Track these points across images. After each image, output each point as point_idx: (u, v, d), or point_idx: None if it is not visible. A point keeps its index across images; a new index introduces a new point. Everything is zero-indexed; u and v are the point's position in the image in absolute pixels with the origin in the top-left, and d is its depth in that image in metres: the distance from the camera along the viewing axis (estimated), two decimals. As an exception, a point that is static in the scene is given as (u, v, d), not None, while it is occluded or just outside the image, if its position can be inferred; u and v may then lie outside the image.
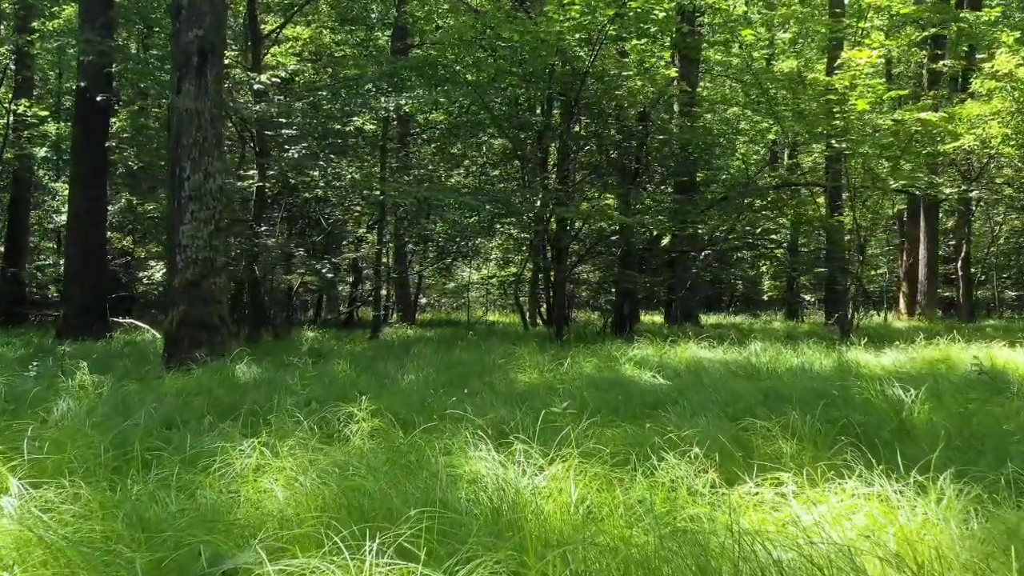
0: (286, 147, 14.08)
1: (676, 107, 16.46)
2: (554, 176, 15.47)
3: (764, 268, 28.17)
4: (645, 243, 15.69)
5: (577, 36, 13.03)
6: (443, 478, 3.14)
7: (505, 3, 15.89)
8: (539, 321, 20.37)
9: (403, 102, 14.36)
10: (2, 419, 4.41)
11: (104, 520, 2.56)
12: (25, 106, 17.97)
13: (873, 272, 27.31)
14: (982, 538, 2.75)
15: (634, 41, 14.27)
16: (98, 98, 13.22)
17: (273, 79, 13.41)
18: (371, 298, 18.87)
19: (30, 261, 21.10)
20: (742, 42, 11.62)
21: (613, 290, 16.47)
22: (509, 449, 3.49)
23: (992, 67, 12.30)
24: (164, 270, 12.59)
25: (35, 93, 21.75)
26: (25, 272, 19.55)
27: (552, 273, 14.89)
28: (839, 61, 11.42)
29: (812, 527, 2.59)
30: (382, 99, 15.07)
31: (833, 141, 11.46)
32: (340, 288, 22.03)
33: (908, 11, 12.10)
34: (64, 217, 16.69)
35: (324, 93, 14.73)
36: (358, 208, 19.88)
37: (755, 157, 22.50)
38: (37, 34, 16.39)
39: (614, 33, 13.51)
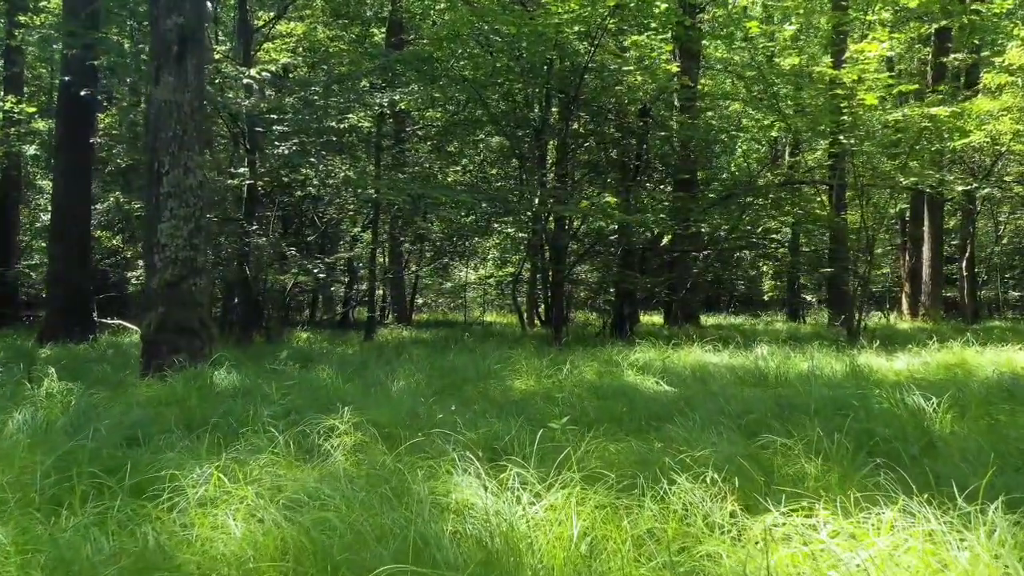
0: (276, 143, 13.68)
1: (676, 102, 16.09)
2: (552, 174, 15.10)
3: (764, 268, 27.81)
4: (646, 243, 15.32)
5: (576, 29, 12.65)
6: (427, 510, 2.75)
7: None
8: (537, 322, 20.01)
9: (397, 97, 13.96)
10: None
11: (20, 568, 2.18)
12: (12, 102, 17.54)
13: (876, 272, 26.89)
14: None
15: (634, 37, 13.90)
16: (82, 93, 12.81)
17: (263, 73, 13.01)
18: (366, 299, 18.47)
19: (22, 261, 20.70)
20: (747, 34, 11.24)
21: (612, 290, 16.11)
22: (502, 474, 3.10)
23: (1004, 61, 11.95)
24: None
25: (26, 91, 21.35)
26: (12, 272, 19.13)
27: (550, 273, 14.51)
28: (847, 54, 11.04)
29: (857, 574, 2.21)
30: (376, 95, 14.69)
31: (841, 137, 11.10)
32: (333, 289, 21.64)
33: (916, 3, 11.73)
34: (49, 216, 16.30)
35: (316, 88, 14.32)
36: (353, 207, 19.49)
37: (754, 156, 22.16)
38: (23, 28, 15.97)
39: (614, 27, 13.14)
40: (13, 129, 18.58)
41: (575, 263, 15.68)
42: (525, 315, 19.56)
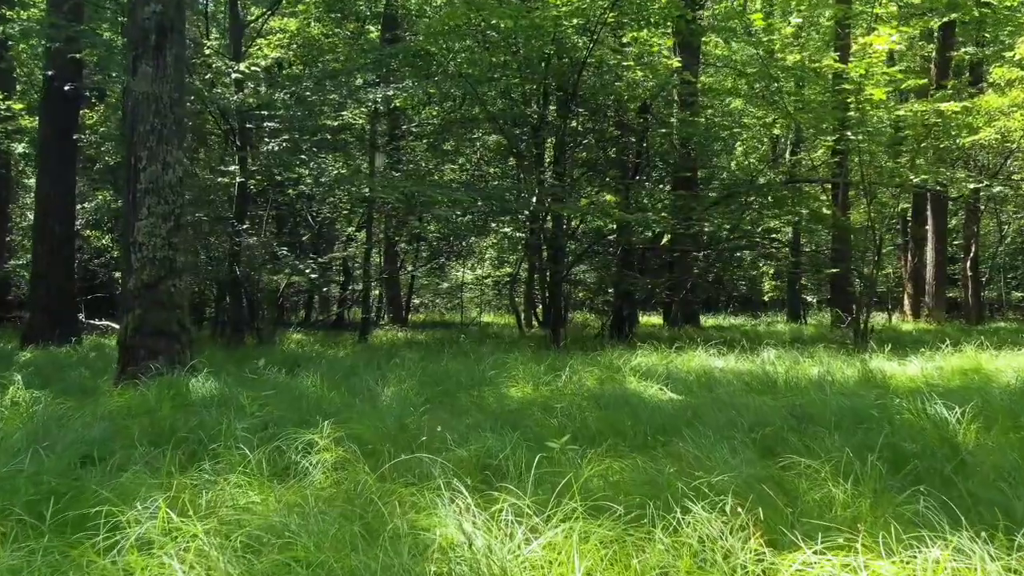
0: (266, 140, 13.31)
1: (676, 99, 15.74)
2: (550, 172, 14.75)
3: (764, 268, 27.44)
4: (645, 242, 14.96)
5: (575, 22, 12.29)
6: (407, 549, 2.39)
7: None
8: (535, 322, 19.64)
9: (391, 93, 13.59)
10: None
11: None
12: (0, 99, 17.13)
13: (879, 272, 26.54)
14: None
15: (633, 34, 13.57)
16: (66, 87, 12.44)
17: (252, 67, 12.63)
18: (360, 299, 18.08)
19: (12, 261, 20.28)
20: (750, 26, 10.89)
21: (610, 290, 15.76)
22: (495, 506, 2.74)
23: (1015, 55, 11.60)
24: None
25: (19, 88, 20.92)
26: (2, 272, 18.73)
27: (548, 273, 14.15)
28: (854, 48, 10.69)
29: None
30: (370, 92, 14.33)
31: (849, 133, 10.74)
32: (326, 290, 21.27)
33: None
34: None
35: (308, 84, 13.94)
36: (347, 206, 19.11)
37: (755, 155, 21.80)
38: (7, 23, 15.54)
39: (613, 20, 12.78)
40: (1, 126, 18.18)
41: (573, 263, 15.31)
42: (523, 316, 19.21)
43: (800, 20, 11.18)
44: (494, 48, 13.54)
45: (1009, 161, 18.13)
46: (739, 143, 20.88)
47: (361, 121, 16.32)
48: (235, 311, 14.11)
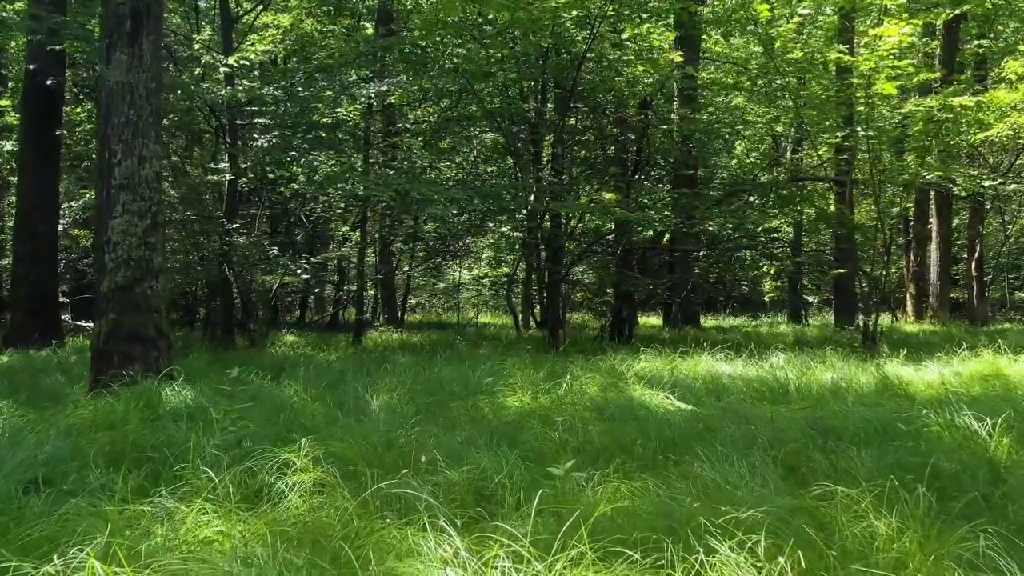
0: (255, 136, 12.90)
1: (677, 95, 15.37)
2: (548, 170, 14.36)
3: (765, 268, 27.08)
4: (646, 242, 14.57)
5: (574, 14, 11.90)
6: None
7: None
8: (533, 323, 19.24)
9: (385, 88, 13.19)
10: None
11: None
12: (-18, 95, 16.73)
13: (888, 273, 26.20)
14: None
15: (632, 30, 13.19)
16: (48, 81, 12.03)
17: (242, 60, 12.22)
18: (354, 300, 17.66)
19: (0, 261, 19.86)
20: (757, 17, 10.49)
21: (609, 291, 15.38)
22: (489, 552, 2.35)
23: (1029, 49, 11.26)
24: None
25: (10, 85, 20.50)
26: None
27: (547, 274, 13.75)
28: (864, 41, 10.31)
29: None
30: (363, 87, 13.92)
31: (859, 129, 10.36)
32: (317, 290, 20.85)
33: (936, -12, 11.03)
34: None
35: (299, 77, 13.53)
36: (341, 205, 18.69)
37: (756, 153, 21.43)
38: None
39: (613, 12, 12.39)
40: (-16, 123, 17.78)
41: (572, 263, 14.91)
42: (520, 317, 18.81)
43: (808, 11, 10.78)
44: (491, 42, 13.14)
45: (1021, 158, 17.74)
46: (739, 142, 20.52)
47: (356, 118, 15.90)
48: (225, 312, 13.71)
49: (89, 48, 11.14)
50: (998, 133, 12.06)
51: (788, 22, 12.32)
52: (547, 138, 15.17)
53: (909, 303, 22.76)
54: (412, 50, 13.72)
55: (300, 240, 20.01)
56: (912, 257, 22.45)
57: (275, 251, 14.90)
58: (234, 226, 13.32)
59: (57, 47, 10.92)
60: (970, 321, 20.25)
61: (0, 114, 18.00)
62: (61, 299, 18.97)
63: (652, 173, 16.42)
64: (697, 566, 2.40)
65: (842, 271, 13.50)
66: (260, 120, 13.48)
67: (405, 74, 14.50)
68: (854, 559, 2.51)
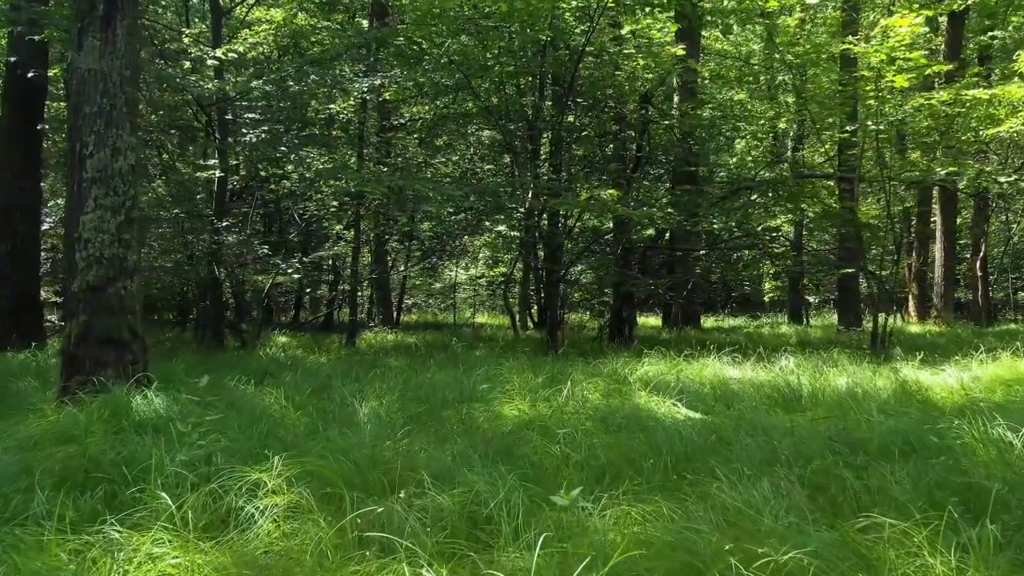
0: (244, 131, 12.51)
1: (676, 87, 15.01)
2: (546, 167, 13.98)
3: (765, 268, 26.71)
4: (647, 241, 14.19)
5: (573, 4, 11.53)
6: None
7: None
8: (530, 323, 18.85)
9: (378, 82, 12.80)
10: None
11: None
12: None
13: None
14: None
15: (632, 25, 12.82)
16: (29, 74, 11.62)
17: (230, 53, 11.82)
18: (349, 300, 17.24)
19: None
20: (764, 9, 10.14)
21: (607, 291, 15.00)
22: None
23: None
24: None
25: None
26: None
27: (545, 274, 13.38)
28: (875, 32, 9.94)
29: None
30: (356, 82, 13.54)
31: (870, 123, 10.00)
32: (309, 290, 20.46)
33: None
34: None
35: (289, 71, 13.13)
36: (335, 203, 18.29)
37: (756, 151, 21.08)
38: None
39: (614, 3, 12.02)
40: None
41: (571, 263, 14.53)
42: (517, 318, 18.43)
43: (815, 0, 10.41)
44: (487, 34, 12.74)
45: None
46: (740, 140, 20.15)
47: (350, 115, 15.50)
48: (215, 313, 13.30)
49: (71, 39, 10.71)
50: (1010, 128, 11.69)
51: (792, 16, 12.00)
52: (545, 135, 14.80)
53: (911, 303, 22.42)
54: (406, 43, 13.33)
55: (294, 239, 19.62)
56: (914, 256, 22.11)
57: (265, 250, 14.51)
58: (224, 224, 12.92)
59: (36, 38, 10.50)
60: (975, 321, 19.92)
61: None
62: (55, 299, 18.54)
63: (651, 171, 16.05)
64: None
65: (849, 271, 13.13)
66: (250, 115, 13.09)
67: (399, 68, 14.12)
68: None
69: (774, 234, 17.34)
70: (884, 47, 9.55)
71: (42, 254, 14.38)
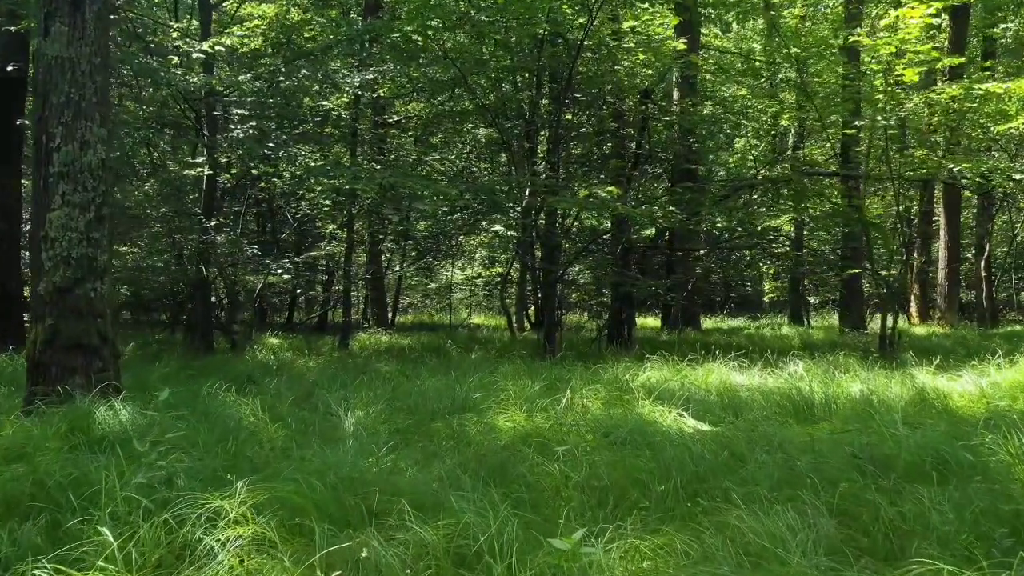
0: (231, 127, 12.13)
1: (676, 84, 14.65)
2: (544, 165, 13.62)
3: (766, 268, 26.34)
4: (646, 241, 13.83)
5: (572, -4, 11.18)
6: None
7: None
8: (527, 324, 18.48)
9: (371, 76, 12.42)
10: None
11: None
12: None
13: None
14: None
15: (632, 21, 12.46)
16: (8, 68, 11.23)
17: (217, 46, 11.43)
18: (342, 301, 16.86)
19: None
20: (769, 1, 9.80)
21: (605, 291, 14.64)
22: None
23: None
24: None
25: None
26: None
27: (542, 274, 13.01)
28: (884, 22, 9.59)
29: None
30: (347, 77, 13.16)
31: (880, 117, 9.65)
32: (301, 291, 20.06)
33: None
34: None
35: (278, 62, 12.75)
36: (328, 203, 17.90)
37: (756, 150, 20.73)
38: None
39: (613, -3, 11.67)
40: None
41: (569, 263, 14.17)
42: (514, 318, 18.06)
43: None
44: (483, 28, 12.37)
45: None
46: (740, 139, 19.80)
47: (345, 112, 15.12)
48: (204, 314, 12.92)
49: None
50: (1021, 125, 11.34)
51: (795, 7, 11.65)
52: (542, 132, 14.44)
53: (913, 304, 22.09)
54: (401, 37, 12.95)
55: (287, 239, 19.23)
56: (917, 256, 21.78)
57: (255, 250, 14.13)
58: (213, 223, 12.53)
59: (13, 28, 10.11)
60: (978, 323, 19.58)
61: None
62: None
63: (651, 169, 15.70)
64: None
65: (855, 271, 12.77)
66: (238, 111, 12.70)
67: (393, 63, 13.74)
68: None
69: (775, 234, 17.00)
70: (894, 39, 9.20)
71: (25, 253, 13.98)
